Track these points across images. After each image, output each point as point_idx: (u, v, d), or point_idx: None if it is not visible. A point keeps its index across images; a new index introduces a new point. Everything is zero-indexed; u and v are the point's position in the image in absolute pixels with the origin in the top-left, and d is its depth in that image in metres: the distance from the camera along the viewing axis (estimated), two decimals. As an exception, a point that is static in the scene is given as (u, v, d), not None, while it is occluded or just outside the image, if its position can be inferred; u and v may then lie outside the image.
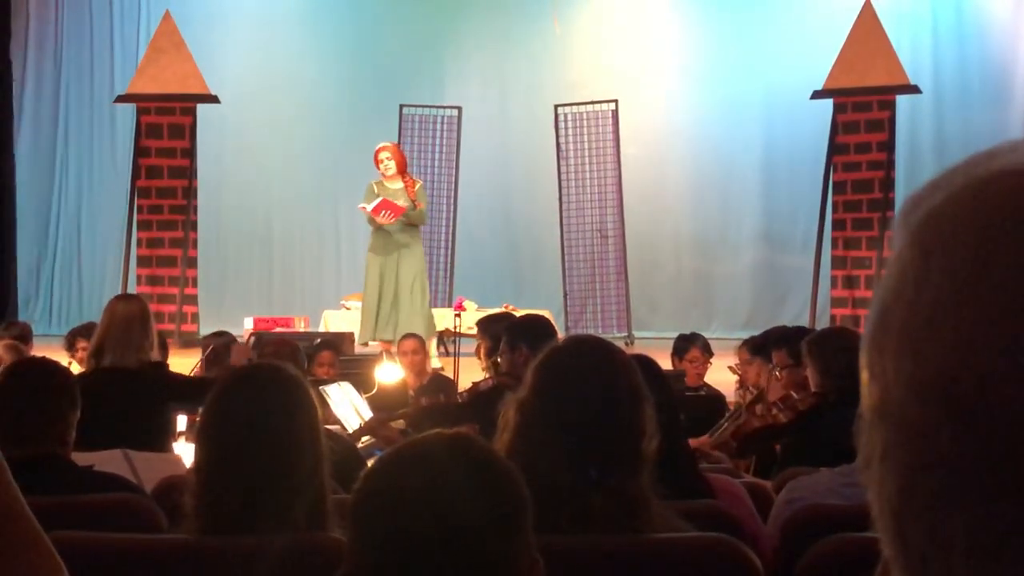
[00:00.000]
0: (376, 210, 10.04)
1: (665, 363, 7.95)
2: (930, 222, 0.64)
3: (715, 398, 6.71)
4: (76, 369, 5.60)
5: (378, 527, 1.53)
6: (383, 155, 10.34)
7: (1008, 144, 0.65)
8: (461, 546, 1.50)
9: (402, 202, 10.07)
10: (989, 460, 0.60)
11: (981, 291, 0.60)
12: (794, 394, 4.85)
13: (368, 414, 6.18)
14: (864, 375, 0.66)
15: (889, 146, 11.22)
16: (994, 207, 0.62)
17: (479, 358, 6.31)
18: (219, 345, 7.04)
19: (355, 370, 7.69)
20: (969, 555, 0.61)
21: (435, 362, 9.96)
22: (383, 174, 10.27)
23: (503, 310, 9.39)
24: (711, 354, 7.37)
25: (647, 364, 3.23)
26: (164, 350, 6.92)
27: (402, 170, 10.31)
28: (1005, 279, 0.60)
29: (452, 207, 12.97)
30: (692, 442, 4.40)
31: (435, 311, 11.89)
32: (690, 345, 7.35)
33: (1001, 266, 0.60)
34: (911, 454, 0.63)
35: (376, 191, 10.21)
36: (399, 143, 12.82)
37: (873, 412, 0.65)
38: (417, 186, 10.33)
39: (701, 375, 7.22)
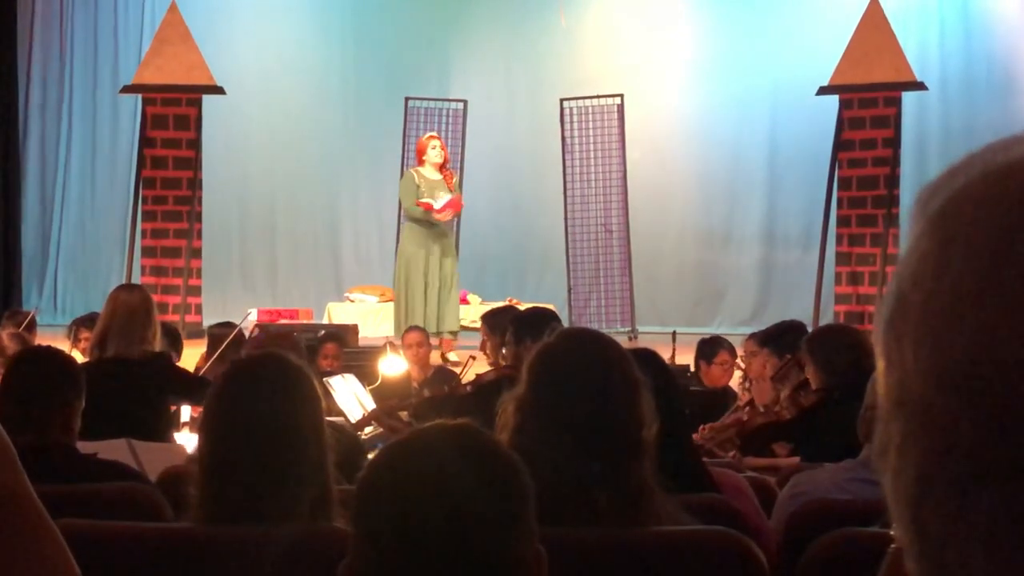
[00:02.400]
0: (444, 208, 10.17)
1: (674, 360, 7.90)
2: (949, 209, 0.64)
3: (721, 393, 6.65)
4: (79, 359, 5.60)
5: (382, 518, 1.53)
6: (435, 142, 10.49)
7: None
8: (465, 536, 1.50)
9: (441, 192, 10.18)
10: (1011, 447, 0.59)
11: (1003, 278, 0.60)
12: (800, 395, 4.85)
13: (372, 406, 6.18)
14: (880, 363, 0.66)
15: (895, 143, 11.20)
16: (1015, 195, 0.62)
17: (484, 353, 6.29)
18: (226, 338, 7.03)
19: (359, 362, 7.69)
20: (989, 543, 0.61)
21: (452, 355, 10.01)
22: (428, 161, 10.38)
23: (507, 303, 9.40)
24: (735, 357, 7.04)
25: (650, 357, 3.23)
26: (177, 342, 6.93)
27: (444, 164, 10.43)
28: None
29: (457, 200, 12.97)
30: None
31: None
32: (718, 348, 7.11)
33: (1022, 253, 0.60)
34: (930, 441, 0.62)
35: (417, 180, 10.31)
36: (404, 135, 12.86)
37: (890, 400, 0.65)
38: (455, 179, 10.49)
39: (729, 377, 7.00)
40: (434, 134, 10.88)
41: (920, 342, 0.63)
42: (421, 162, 10.49)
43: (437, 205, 10.19)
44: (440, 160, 10.41)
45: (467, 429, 1.62)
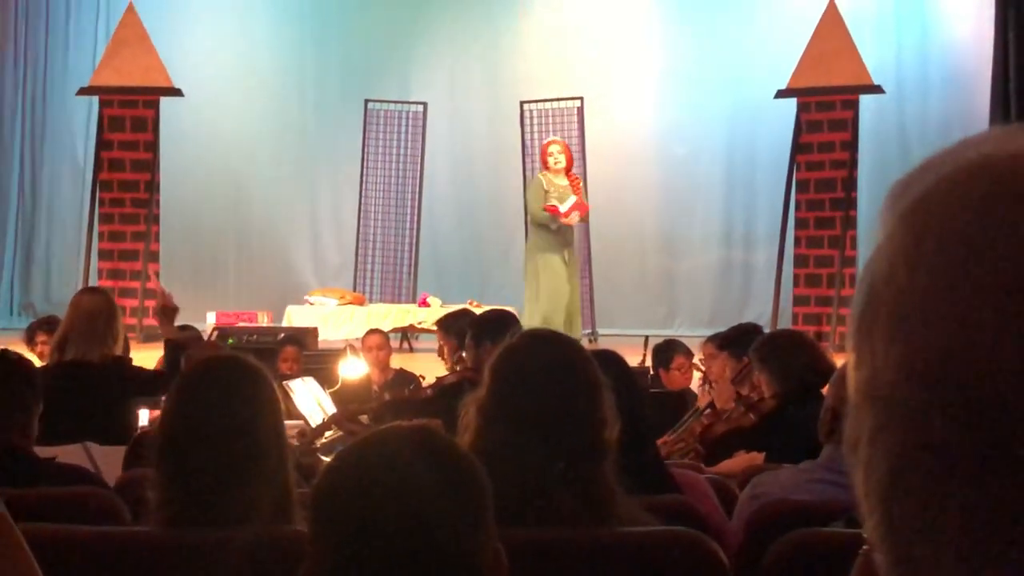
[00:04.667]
0: (569, 211, 10.17)
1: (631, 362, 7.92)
2: (921, 206, 0.64)
3: (680, 395, 6.65)
4: (36, 362, 5.55)
5: (340, 521, 1.52)
6: (554, 148, 10.52)
7: (996, 130, 0.66)
8: (424, 538, 1.50)
9: (569, 196, 10.26)
10: (983, 441, 0.60)
11: (974, 273, 0.60)
12: (754, 395, 4.88)
13: (332, 409, 6.16)
14: (851, 359, 0.66)
15: (852, 145, 11.28)
16: (986, 190, 0.62)
17: (441, 358, 6.28)
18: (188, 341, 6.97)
19: (319, 365, 7.66)
20: (960, 538, 0.61)
21: None
22: (551, 167, 10.39)
23: (464, 307, 9.39)
24: (692, 357, 6.98)
25: (612, 358, 3.24)
26: (125, 348, 6.86)
27: (568, 168, 10.41)
28: (999, 260, 0.60)
29: (417, 203, 12.95)
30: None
31: (399, 307, 11.90)
32: (673, 353, 7.00)
33: (995, 248, 0.61)
34: (902, 435, 0.63)
35: (545, 185, 10.31)
36: (364, 138, 12.84)
37: (861, 395, 0.65)
38: (581, 183, 10.49)
39: (689, 380, 6.92)
40: (556, 138, 10.85)
41: (892, 337, 0.63)
42: (546, 166, 10.52)
43: (563, 208, 10.19)
44: (563, 165, 10.41)
45: (424, 430, 1.62)
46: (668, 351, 7.11)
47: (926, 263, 0.62)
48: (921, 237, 0.63)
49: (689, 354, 7.02)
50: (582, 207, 10.37)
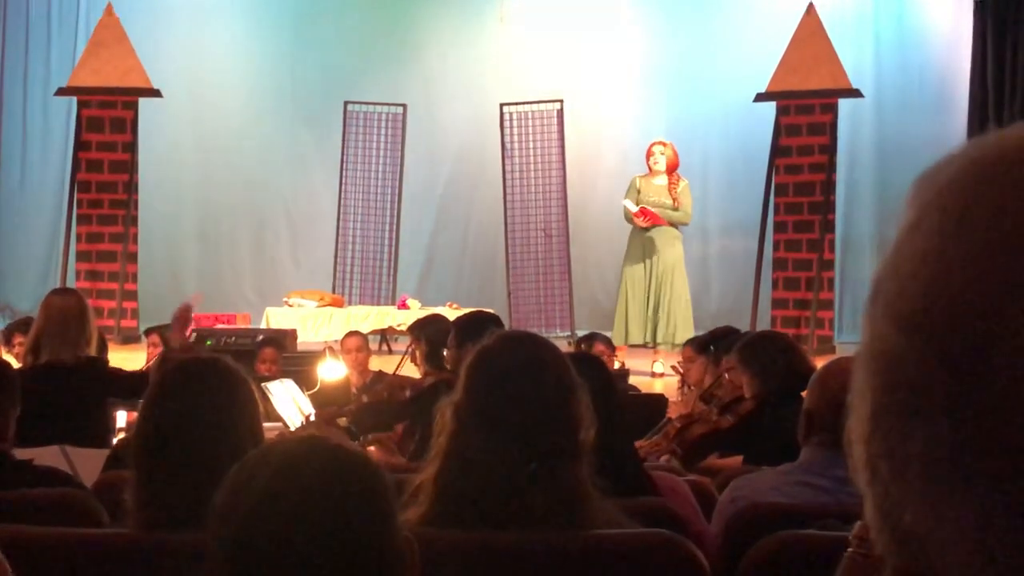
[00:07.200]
0: (638, 213, 10.26)
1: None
2: (923, 187, 0.71)
3: (658, 399, 6.70)
4: (14, 364, 5.52)
5: (240, 537, 1.52)
6: (657, 148, 10.59)
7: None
8: (327, 544, 1.50)
9: (663, 199, 10.40)
10: (944, 383, 0.66)
11: (962, 239, 0.66)
12: (727, 397, 4.89)
13: (310, 411, 6.15)
14: (863, 321, 0.73)
15: (831, 149, 11.30)
16: (981, 171, 0.69)
17: (413, 363, 6.28)
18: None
19: (298, 367, 7.66)
20: (923, 471, 0.67)
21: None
22: (651, 167, 10.42)
23: (436, 311, 9.39)
24: (613, 349, 7.88)
25: (590, 360, 3.25)
26: (102, 348, 6.85)
27: (671, 169, 10.52)
28: (984, 224, 0.66)
29: (396, 205, 12.93)
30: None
31: (379, 309, 11.88)
32: (591, 342, 7.66)
33: (981, 213, 0.67)
34: (882, 378, 0.69)
35: (638, 185, 10.39)
36: (343, 139, 12.83)
37: (861, 353, 0.72)
38: (681, 185, 10.52)
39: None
40: (661, 140, 10.92)
41: (889, 292, 0.70)
42: (649, 166, 10.62)
43: (634, 208, 10.38)
44: (662, 167, 10.48)
45: (310, 438, 1.63)
46: (588, 339, 7.93)
47: (923, 229, 0.69)
48: (923, 210, 0.69)
49: (608, 344, 7.90)
50: (648, 214, 10.39)
